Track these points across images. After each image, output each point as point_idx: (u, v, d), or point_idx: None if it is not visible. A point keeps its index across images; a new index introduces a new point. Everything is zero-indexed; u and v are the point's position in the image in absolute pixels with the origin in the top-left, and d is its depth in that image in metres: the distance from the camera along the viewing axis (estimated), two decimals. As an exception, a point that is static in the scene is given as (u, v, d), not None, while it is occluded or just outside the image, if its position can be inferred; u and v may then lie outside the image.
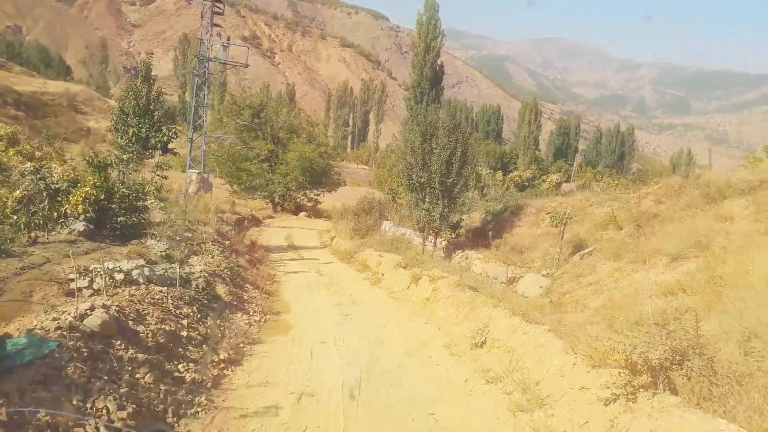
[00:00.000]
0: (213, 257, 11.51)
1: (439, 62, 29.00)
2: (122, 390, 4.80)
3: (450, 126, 16.56)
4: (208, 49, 25.10)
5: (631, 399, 5.10)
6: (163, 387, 5.37)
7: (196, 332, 6.96)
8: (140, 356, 5.57)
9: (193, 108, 25.71)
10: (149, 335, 6.15)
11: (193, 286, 8.76)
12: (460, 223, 18.48)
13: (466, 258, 17.07)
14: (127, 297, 6.81)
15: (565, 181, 24.21)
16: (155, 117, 16.92)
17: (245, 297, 10.51)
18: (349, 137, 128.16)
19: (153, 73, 18.21)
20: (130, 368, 5.29)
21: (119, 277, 7.27)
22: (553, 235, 16.89)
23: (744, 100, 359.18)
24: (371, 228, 24.04)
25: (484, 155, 44.85)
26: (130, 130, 16.52)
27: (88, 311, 5.68)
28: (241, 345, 7.53)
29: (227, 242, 14.22)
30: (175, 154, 19.14)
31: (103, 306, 5.97)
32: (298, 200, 38.32)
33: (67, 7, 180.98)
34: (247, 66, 26.38)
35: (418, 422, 5.85)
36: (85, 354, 4.99)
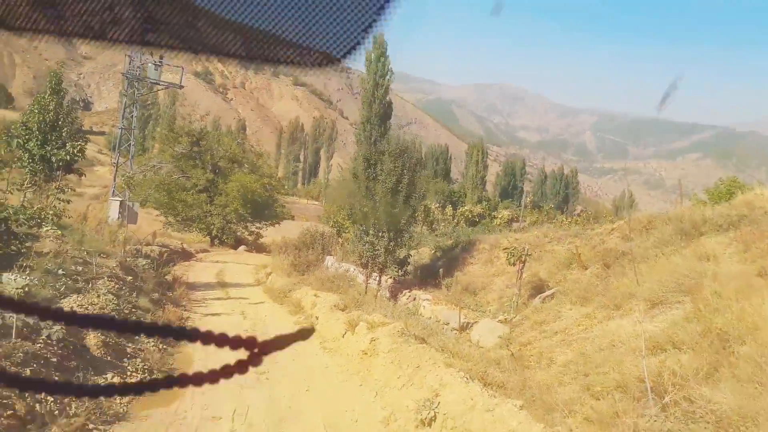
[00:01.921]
0: (99, 297, 9.14)
1: (387, 99, 27.90)
2: None
3: (396, 151, 14.88)
4: (138, 68, 22.84)
5: None
6: None
7: (8, 411, 4.66)
8: None
9: (120, 131, 23.22)
10: None
11: (44, 336, 6.43)
12: (407, 260, 16.64)
13: (414, 299, 15.16)
14: None
15: (515, 221, 23.03)
16: (63, 134, 14.48)
17: (129, 349, 8.17)
18: (300, 173, 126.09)
19: (73, 91, 15.68)
20: None
21: None
22: (509, 274, 15.24)
23: (677, 147, 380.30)
24: (312, 263, 21.85)
25: (433, 193, 43.73)
26: (32, 147, 14.01)
27: None
28: (89, 427, 5.25)
29: (129, 278, 11.83)
30: (81, 175, 16.63)
31: None
32: (238, 234, 35.70)
33: (16, 37, 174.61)
34: (181, 87, 24.25)
35: None
36: None
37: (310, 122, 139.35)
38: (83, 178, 17.15)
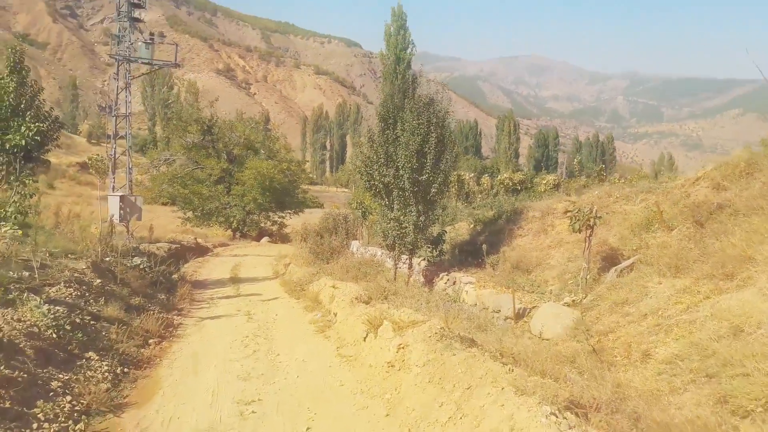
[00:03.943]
0: (31, 311, 6.80)
1: (410, 73, 25.24)
2: None
3: (420, 104, 12.15)
4: (128, 47, 20.58)
5: None
6: None
7: None
8: None
9: (113, 119, 21.10)
10: None
11: None
12: (442, 237, 13.96)
13: (454, 283, 12.49)
14: None
15: (560, 187, 20.12)
16: (27, 119, 12.24)
17: (59, 381, 5.78)
18: (327, 161, 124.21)
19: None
20: None
21: None
22: (569, 244, 12.42)
23: (714, 105, 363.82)
24: (336, 250, 19.44)
25: (466, 167, 40.68)
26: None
27: None
28: None
29: (98, 282, 9.55)
30: (44, 163, 14.49)
31: None
32: (261, 225, 33.55)
33: (41, 51, 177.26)
34: (177, 66, 21.89)
35: None
36: None
37: (334, 110, 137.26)
38: (47, 165, 14.77)
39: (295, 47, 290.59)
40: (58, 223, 12.40)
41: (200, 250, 24.33)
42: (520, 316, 10.22)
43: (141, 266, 14.65)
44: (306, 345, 8.84)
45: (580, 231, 10.19)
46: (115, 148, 20.46)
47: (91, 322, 7.95)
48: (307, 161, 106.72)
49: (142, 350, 8.04)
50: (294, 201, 33.40)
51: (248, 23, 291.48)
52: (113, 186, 20.95)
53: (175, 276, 16.31)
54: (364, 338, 7.78)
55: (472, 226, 15.47)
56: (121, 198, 20.14)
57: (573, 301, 9.98)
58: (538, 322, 9.64)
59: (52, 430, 4.94)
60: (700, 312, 7.90)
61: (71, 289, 8.72)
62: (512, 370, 5.29)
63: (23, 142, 11.61)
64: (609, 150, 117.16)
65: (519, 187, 21.14)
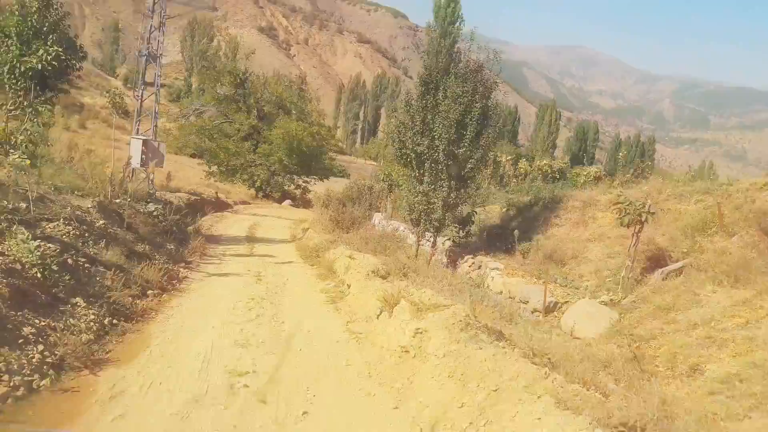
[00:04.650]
0: (17, 245, 6.18)
1: (456, 49, 23.95)
2: None
3: (466, 70, 11.14)
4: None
5: None
6: None
7: None
8: None
9: (144, 59, 20.43)
10: None
11: None
12: (471, 218, 13.06)
13: (479, 267, 11.63)
14: None
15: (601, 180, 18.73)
16: (49, 42, 11.58)
17: (33, 327, 5.13)
18: (359, 132, 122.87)
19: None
20: None
21: None
22: (610, 239, 11.42)
23: (765, 118, 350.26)
24: (357, 220, 18.65)
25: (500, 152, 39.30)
26: (8, 59, 11.28)
27: None
28: None
29: (101, 223, 8.94)
30: (63, 92, 13.86)
31: None
32: (285, 187, 32.91)
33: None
34: (214, 8, 21.01)
35: None
36: None
37: (371, 80, 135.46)
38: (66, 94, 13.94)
39: (341, 12, 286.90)
40: (72, 158, 11.81)
41: (220, 205, 23.83)
42: (550, 310, 9.35)
43: (155, 213, 14.13)
44: (314, 315, 8.12)
45: (628, 225, 9.20)
46: (142, 91, 19.81)
47: (86, 265, 7.31)
48: (338, 128, 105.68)
49: (138, 301, 7.40)
50: (320, 167, 32.62)
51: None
52: (138, 129, 20.37)
53: (190, 228, 15.78)
54: (378, 316, 7.01)
55: (504, 209, 14.51)
56: (144, 142, 19.57)
57: (611, 300, 9.06)
58: (570, 318, 8.76)
59: (12, 383, 4.29)
60: (762, 329, 6.94)
61: (70, 228, 8.09)
62: (549, 375, 4.46)
63: (39, 66, 10.95)
64: (649, 152, 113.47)
65: (557, 176, 19.98)
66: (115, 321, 6.44)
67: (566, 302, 9.50)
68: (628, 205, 9.16)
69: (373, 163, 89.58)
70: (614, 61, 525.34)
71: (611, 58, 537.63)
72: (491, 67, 11.33)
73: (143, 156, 19.49)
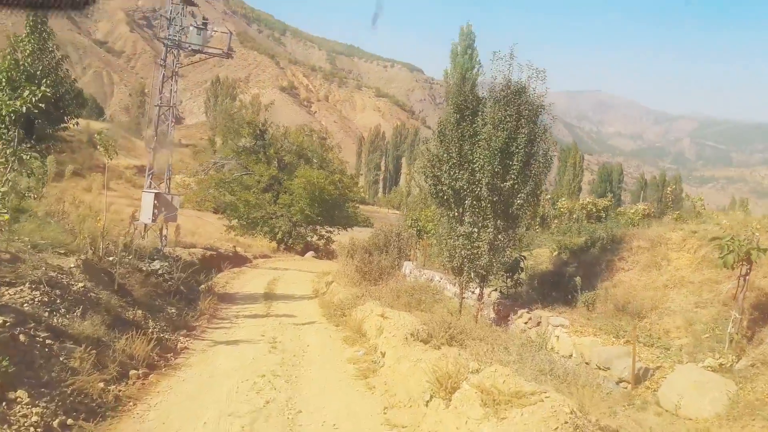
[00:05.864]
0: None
1: (475, 94, 22.93)
2: None
3: (506, 93, 9.57)
4: (179, 32, 18.99)
5: None
6: None
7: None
8: None
9: (157, 109, 19.49)
10: None
11: None
12: (519, 264, 11.20)
13: (538, 323, 9.67)
14: None
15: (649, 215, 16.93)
16: (43, 86, 10.40)
17: None
18: (381, 182, 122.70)
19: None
20: None
21: None
22: (693, 285, 9.42)
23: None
24: (386, 270, 16.87)
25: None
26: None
27: None
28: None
29: (81, 286, 7.37)
30: (61, 140, 12.64)
31: None
32: (307, 238, 31.42)
33: (116, 57, 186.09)
34: (229, 56, 20.09)
35: None
36: None
37: (391, 132, 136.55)
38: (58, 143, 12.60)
39: (359, 69, 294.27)
40: (64, 212, 10.39)
41: (238, 260, 22.31)
42: (639, 379, 7.34)
43: (160, 271, 12.60)
44: (340, 397, 6.28)
45: (733, 267, 7.25)
46: (156, 139, 18.76)
47: (47, 342, 5.66)
48: (361, 176, 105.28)
49: (112, 387, 5.68)
50: (343, 215, 31.16)
51: (315, 44, 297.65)
52: (150, 183, 19.19)
53: (202, 286, 14.23)
54: (427, 402, 5.15)
55: (555, 253, 12.61)
56: (156, 195, 18.32)
57: (720, 365, 7.03)
58: (671, 390, 6.74)
59: None
60: None
61: (37, 293, 6.52)
62: None
63: (23, 108, 9.68)
64: (676, 191, 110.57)
65: (603, 215, 18.04)
66: (70, 421, 4.72)
67: (658, 367, 7.48)
68: (729, 240, 7.26)
69: (396, 212, 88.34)
70: (630, 103, 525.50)
71: (627, 100, 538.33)
72: (536, 87, 9.72)
73: (155, 210, 18.24)
